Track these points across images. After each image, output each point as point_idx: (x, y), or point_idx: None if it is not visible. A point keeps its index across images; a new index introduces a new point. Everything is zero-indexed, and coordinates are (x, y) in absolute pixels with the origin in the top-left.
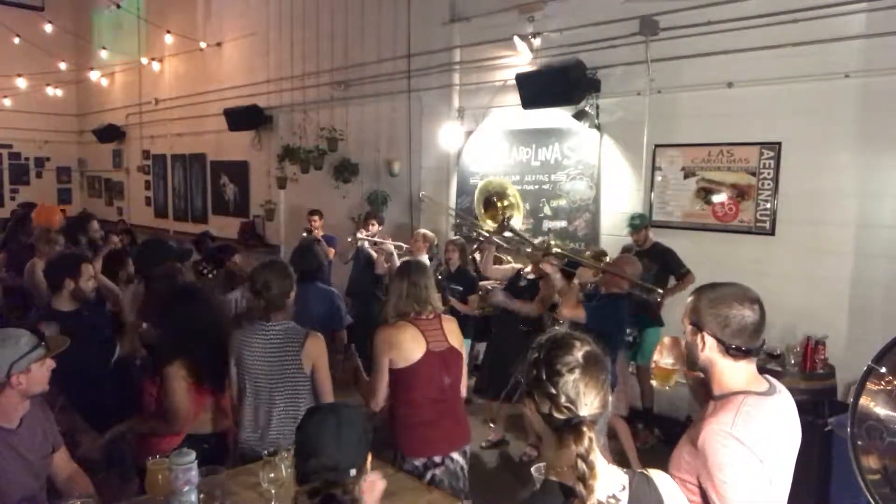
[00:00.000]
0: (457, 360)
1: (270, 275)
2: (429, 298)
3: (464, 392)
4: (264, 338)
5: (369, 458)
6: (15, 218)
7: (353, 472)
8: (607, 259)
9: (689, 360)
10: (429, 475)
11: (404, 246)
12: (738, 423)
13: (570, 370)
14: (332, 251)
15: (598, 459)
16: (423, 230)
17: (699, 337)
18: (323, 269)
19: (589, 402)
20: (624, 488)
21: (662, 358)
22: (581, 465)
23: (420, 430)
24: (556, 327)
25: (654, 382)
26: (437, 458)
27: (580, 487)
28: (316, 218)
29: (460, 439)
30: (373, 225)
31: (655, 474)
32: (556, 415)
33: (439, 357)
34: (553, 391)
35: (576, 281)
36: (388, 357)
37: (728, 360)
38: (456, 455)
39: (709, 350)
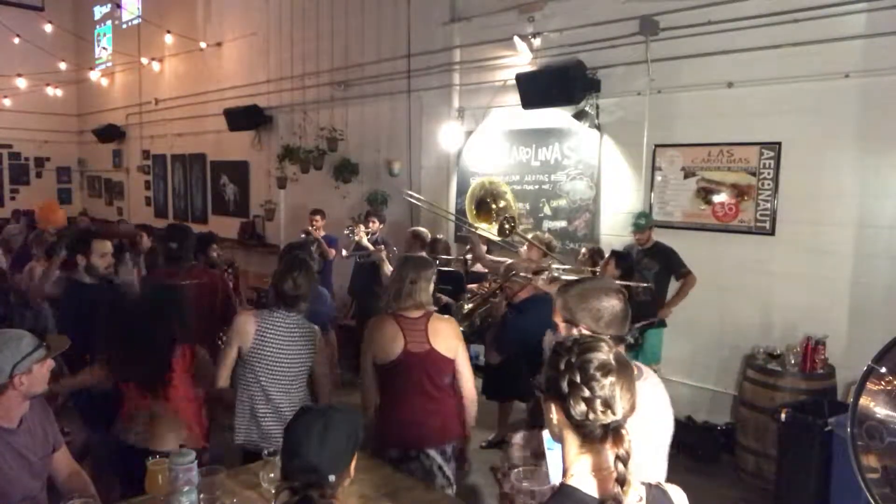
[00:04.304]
0: (439, 364)
1: (299, 276)
2: (413, 294)
3: (470, 394)
4: (287, 325)
5: (353, 463)
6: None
7: (332, 477)
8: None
9: None
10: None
11: (395, 249)
12: None
13: (606, 373)
14: (332, 251)
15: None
16: (414, 228)
17: (576, 332)
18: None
19: (623, 404)
20: (641, 499)
21: None
22: (621, 467)
23: (395, 426)
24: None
25: None
26: (413, 453)
27: (618, 490)
28: (318, 218)
29: (438, 437)
30: (373, 223)
31: (671, 488)
32: (593, 418)
33: (417, 358)
34: (590, 395)
35: None
36: (370, 352)
37: None
38: (432, 452)
39: None
